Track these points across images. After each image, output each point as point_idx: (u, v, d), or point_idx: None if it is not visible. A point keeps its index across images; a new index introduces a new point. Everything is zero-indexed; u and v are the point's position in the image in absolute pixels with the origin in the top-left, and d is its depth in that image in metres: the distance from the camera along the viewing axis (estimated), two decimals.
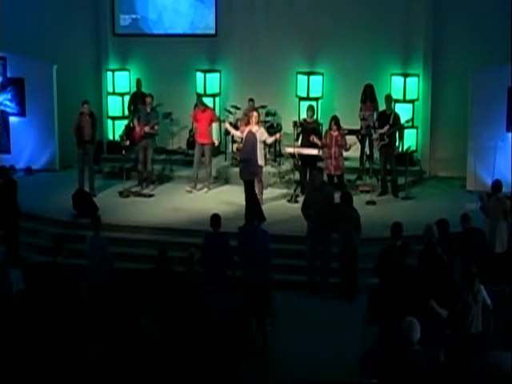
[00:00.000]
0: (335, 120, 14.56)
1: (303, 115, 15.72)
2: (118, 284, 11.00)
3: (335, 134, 14.48)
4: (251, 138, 13.96)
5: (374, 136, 15.30)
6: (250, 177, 13.85)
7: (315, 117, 15.63)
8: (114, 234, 13.22)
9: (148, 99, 15.68)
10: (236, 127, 15.54)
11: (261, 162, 14.54)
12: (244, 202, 13.69)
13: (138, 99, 16.93)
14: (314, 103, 16.44)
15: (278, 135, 15.05)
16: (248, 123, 14.42)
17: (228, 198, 14.86)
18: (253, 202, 13.57)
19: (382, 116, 15.40)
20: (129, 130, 16.32)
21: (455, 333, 9.22)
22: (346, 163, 15.18)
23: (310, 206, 12.37)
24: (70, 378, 7.89)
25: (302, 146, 14.95)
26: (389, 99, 15.56)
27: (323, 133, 15.08)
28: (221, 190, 15.67)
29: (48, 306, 9.06)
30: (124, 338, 8.18)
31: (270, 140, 14.82)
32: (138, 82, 17.50)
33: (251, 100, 16.35)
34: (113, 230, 13.41)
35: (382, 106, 15.85)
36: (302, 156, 14.96)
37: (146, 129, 15.38)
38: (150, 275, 10.29)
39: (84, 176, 15.36)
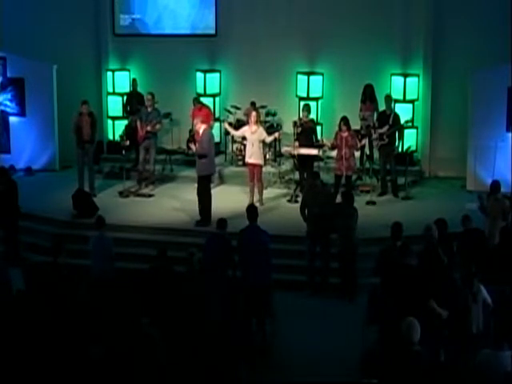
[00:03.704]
0: (345, 120, 14.31)
1: (301, 115, 15.67)
2: (119, 284, 11.01)
3: (345, 134, 14.28)
4: (207, 134, 13.86)
5: (374, 136, 15.30)
6: (204, 172, 13.77)
7: (311, 116, 15.52)
8: (114, 233, 13.17)
9: (149, 97, 15.66)
10: (235, 127, 15.57)
11: (261, 161, 14.55)
12: (242, 202, 13.69)
13: (133, 99, 16.93)
14: (313, 103, 16.46)
15: (277, 134, 15.03)
16: (204, 122, 14.19)
17: (227, 198, 14.85)
18: (207, 198, 13.59)
19: (381, 116, 15.40)
20: (129, 130, 16.31)
21: (455, 333, 9.22)
22: None
23: (307, 208, 12.38)
24: (70, 377, 7.88)
25: (301, 145, 14.93)
26: (389, 99, 15.56)
27: (333, 134, 14.85)
28: (220, 190, 15.64)
29: (48, 306, 9.06)
30: (124, 338, 8.19)
31: (268, 139, 14.82)
32: (134, 81, 17.43)
33: (253, 104, 16.32)
34: (113, 229, 13.37)
35: (382, 106, 15.85)
36: (300, 156, 14.95)
37: (148, 128, 15.37)
38: (150, 275, 10.30)
39: (84, 176, 15.37)
